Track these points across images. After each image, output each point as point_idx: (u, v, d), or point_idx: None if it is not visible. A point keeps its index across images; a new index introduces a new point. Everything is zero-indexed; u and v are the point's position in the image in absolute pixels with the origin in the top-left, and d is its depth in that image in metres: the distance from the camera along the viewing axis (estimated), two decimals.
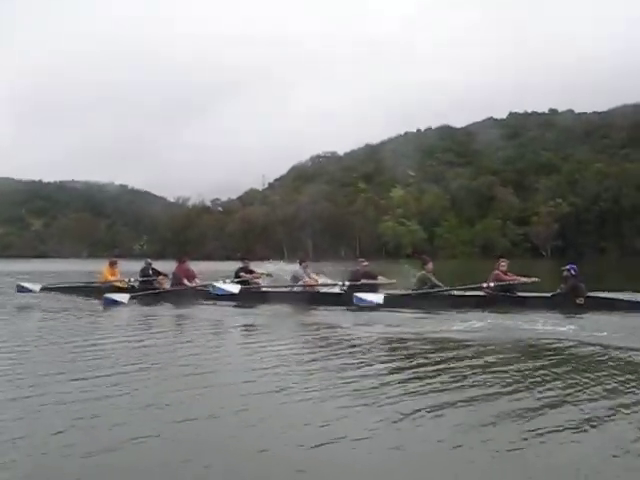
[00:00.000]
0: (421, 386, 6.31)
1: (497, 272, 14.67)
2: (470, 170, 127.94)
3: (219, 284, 16.31)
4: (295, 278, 16.81)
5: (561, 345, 8.82)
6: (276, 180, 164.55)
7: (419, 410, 5.38)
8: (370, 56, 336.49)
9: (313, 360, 7.91)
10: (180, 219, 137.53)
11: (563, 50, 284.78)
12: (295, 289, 16.50)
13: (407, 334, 10.16)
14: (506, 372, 6.98)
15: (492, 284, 14.27)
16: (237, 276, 17.91)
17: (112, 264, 19.53)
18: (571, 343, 8.92)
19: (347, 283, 15.82)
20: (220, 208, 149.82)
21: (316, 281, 16.86)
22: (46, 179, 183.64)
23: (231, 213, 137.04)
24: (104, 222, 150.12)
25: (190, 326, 12.16)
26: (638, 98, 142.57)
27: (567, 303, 13.30)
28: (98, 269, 21.06)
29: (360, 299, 14.07)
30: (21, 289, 18.69)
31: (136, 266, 20.52)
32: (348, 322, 12.08)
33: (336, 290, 16.02)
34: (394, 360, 8.02)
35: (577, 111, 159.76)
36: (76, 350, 8.71)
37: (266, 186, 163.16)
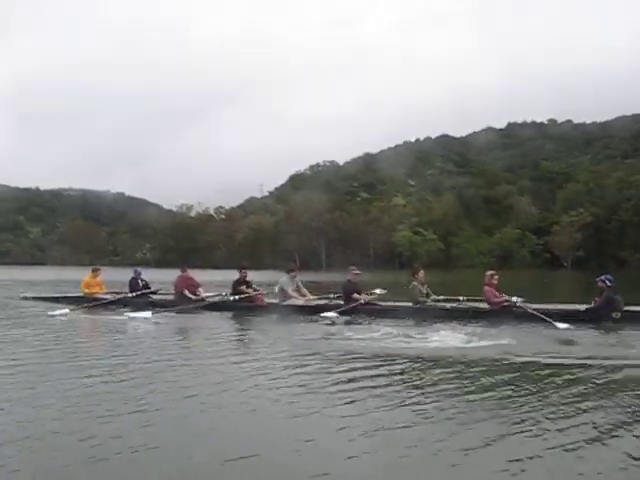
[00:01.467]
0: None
1: (487, 289, 13.67)
2: (475, 179, 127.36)
3: (130, 313, 14.44)
4: (280, 288, 15.89)
5: (601, 365, 7.96)
6: (276, 189, 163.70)
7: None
8: (368, 65, 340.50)
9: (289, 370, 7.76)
10: (184, 227, 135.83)
11: (562, 61, 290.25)
12: (282, 303, 15.56)
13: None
14: (548, 395, 6.35)
15: (516, 299, 13.17)
16: (235, 290, 16.62)
17: (94, 272, 18.77)
18: (611, 362, 8.13)
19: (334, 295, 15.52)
20: (223, 216, 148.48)
21: (303, 295, 15.86)
22: (42, 187, 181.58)
23: (235, 221, 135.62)
24: (104, 230, 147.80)
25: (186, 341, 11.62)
26: (637, 109, 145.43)
27: (602, 317, 12.36)
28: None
29: (130, 317, 13.87)
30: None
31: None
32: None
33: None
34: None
35: (576, 121, 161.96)
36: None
37: (265, 194, 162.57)
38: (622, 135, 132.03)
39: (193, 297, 16.85)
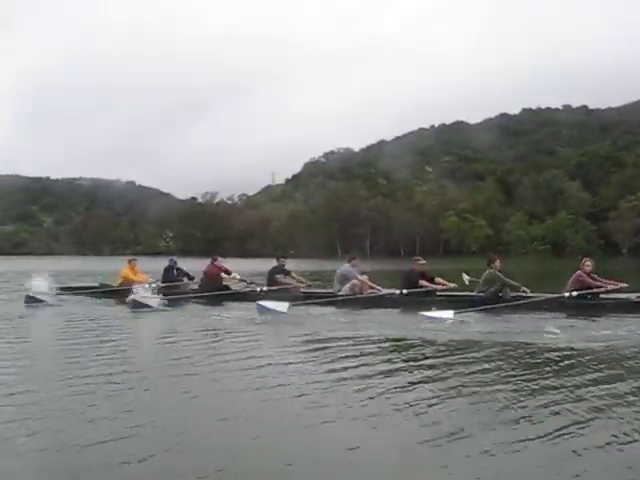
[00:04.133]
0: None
1: (580, 273, 12.79)
2: (518, 164, 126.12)
3: (264, 302, 13.33)
4: (343, 277, 14.97)
5: None
6: (293, 176, 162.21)
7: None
8: (377, 54, 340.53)
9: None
10: (210, 215, 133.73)
11: (576, 48, 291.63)
12: (343, 295, 14.53)
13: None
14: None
15: (575, 293, 12.39)
16: (272, 280, 15.79)
17: (131, 262, 17.82)
18: None
19: (405, 291, 14.00)
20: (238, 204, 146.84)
21: (367, 285, 14.86)
22: (52, 176, 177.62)
23: (255, 208, 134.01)
24: (122, 219, 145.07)
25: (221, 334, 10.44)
26: None
27: None
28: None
29: (262, 307, 12.92)
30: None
31: (162, 263, 18.60)
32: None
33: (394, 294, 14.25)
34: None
35: (591, 107, 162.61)
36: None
37: (282, 182, 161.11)
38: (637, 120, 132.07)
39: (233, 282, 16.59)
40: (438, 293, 14.03)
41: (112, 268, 23.77)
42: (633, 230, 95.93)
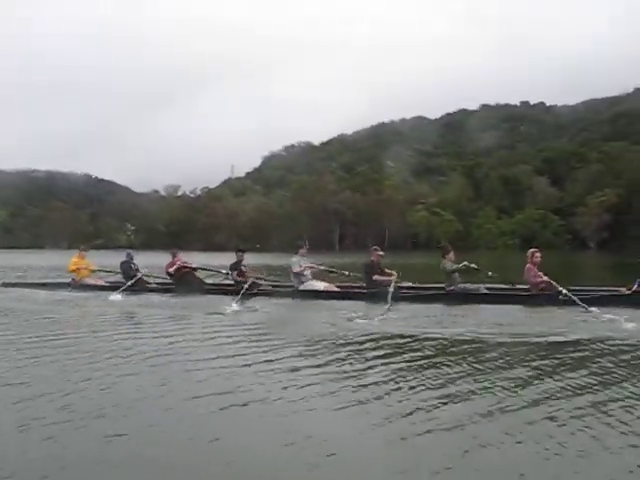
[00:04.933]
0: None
1: (530, 267, 12.90)
2: (487, 160, 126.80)
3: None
4: (291, 269, 15.04)
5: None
6: (255, 169, 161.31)
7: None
8: (345, 43, 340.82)
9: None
10: (175, 209, 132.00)
11: (534, 46, 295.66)
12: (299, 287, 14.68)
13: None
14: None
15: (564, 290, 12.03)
16: (235, 271, 15.84)
17: (81, 252, 18.15)
18: None
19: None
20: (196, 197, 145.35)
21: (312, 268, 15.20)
22: (6, 168, 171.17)
23: (219, 201, 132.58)
24: (81, 212, 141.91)
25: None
26: (606, 92, 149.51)
27: None
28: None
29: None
30: None
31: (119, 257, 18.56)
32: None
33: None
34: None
35: (548, 104, 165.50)
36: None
37: (241, 175, 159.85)
38: (595, 118, 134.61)
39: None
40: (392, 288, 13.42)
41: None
42: (600, 225, 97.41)
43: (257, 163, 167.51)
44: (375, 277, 14.09)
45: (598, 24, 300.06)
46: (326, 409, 5.25)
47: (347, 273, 15.41)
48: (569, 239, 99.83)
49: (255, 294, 14.48)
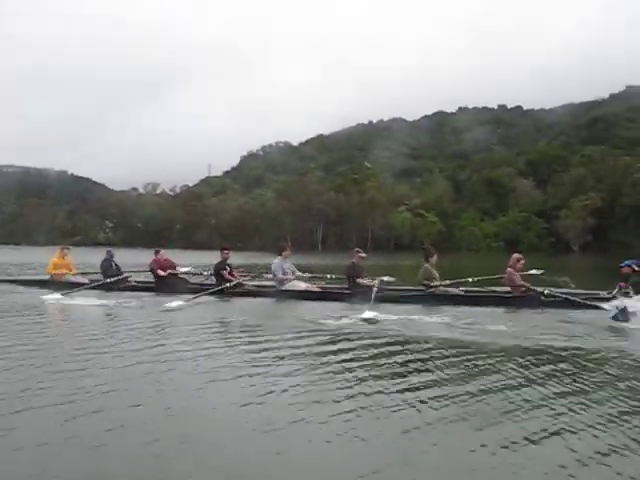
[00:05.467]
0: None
1: (511, 271, 13.20)
2: (470, 162, 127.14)
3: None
4: (274, 274, 15.09)
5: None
6: (233, 168, 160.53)
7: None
8: (325, 44, 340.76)
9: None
10: (154, 207, 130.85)
11: (512, 48, 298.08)
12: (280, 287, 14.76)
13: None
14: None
15: (546, 290, 12.51)
16: (218, 274, 15.70)
17: (63, 251, 17.84)
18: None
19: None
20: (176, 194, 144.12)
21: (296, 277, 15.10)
22: None
23: (199, 200, 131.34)
24: (58, 208, 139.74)
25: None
26: (583, 97, 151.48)
27: None
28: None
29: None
30: None
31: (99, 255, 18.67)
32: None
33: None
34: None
35: (525, 108, 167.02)
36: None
37: (218, 174, 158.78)
38: (573, 123, 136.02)
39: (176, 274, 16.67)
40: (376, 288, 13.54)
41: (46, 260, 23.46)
42: (584, 229, 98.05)
43: (235, 162, 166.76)
44: (358, 280, 14.17)
45: (572, 31, 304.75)
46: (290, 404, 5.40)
47: (329, 277, 15.88)
48: (552, 242, 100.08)
49: (238, 294, 14.61)
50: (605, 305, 10.80)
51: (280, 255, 15.00)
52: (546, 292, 12.34)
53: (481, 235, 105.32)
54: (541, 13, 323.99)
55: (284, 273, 14.77)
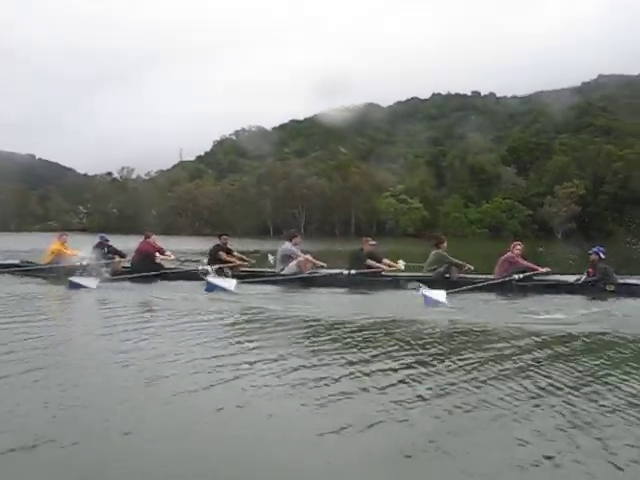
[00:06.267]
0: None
1: (512, 256, 13.70)
2: (452, 149, 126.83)
3: (212, 277, 13.69)
4: (286, 256, 14.89)
5: (591, 337, 8.15)
6: (206, 153, 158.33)
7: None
8: (293, 30, 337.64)
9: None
10: (128, 191, 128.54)
11: (484, 34, 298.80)
12: (289, 274, 14.53)
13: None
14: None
15: (521, 275, 13.18)
16: (215, 257, 15.40)
17: (61, 238, 17.10)
18: (604, 336, 8.26)
19: (353, 271, 14.13)
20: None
21: (311, 263, 14.94)
22: None
23: (175, 185, 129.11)
24: (31, 193, 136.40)
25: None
26: (556, 85, 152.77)
27: (596, 290, 12.51)
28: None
29: (212, 284, 13.07)
30: None
31: (79, 241, 18.59)
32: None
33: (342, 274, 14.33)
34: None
35: (498, 95, 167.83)
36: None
37: (190, 159, 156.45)
38: (545, 110, 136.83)
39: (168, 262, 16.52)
40: (384, 274, 14.32)
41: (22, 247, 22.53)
42: (568, 216, 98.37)
43: (207, 147, 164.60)
44: (370, 262, 14.27)
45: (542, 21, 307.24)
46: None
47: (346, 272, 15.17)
48: (534, 229, 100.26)
49: (238, 279, 14.01)
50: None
51: (290, 241, 15.07)
52: (516, 277, 13.07)
53: (466, 221, 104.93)
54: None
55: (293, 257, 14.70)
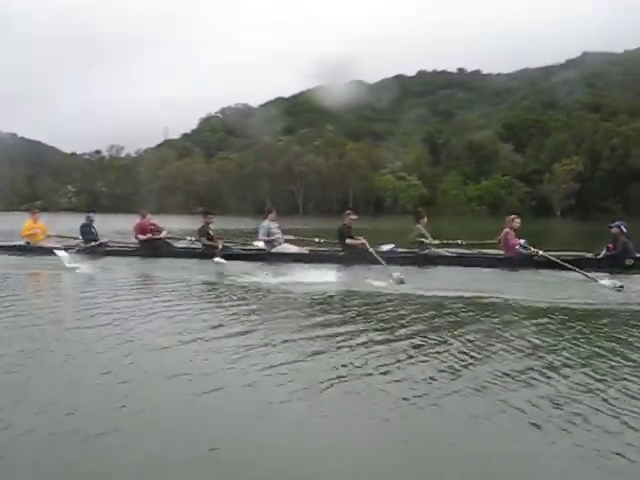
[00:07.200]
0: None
1: (508, 231, 13.53)
2: (446, 125, 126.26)
3: (219, 259, 14.16)
4: (262, 234, 15.11)
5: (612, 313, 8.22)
6: (193, 131, 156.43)
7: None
8: (277, 13, 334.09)
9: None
10: (117, 170, 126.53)
11: (468, 11, 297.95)
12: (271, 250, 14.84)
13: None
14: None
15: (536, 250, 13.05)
16: (205, 236, 15.28)
17: (34, 214, 17.46)
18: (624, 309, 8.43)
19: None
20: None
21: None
22: None
23: (165, 163, 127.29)
24: (16, 172, 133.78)
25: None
26: (540, 62, 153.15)
27: (616, 264, 12.30)
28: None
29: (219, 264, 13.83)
30: None
31: (66, 223, 19.41)
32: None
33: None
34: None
35: (484, 72, 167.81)
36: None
37: (175, 137, 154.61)
38: (532, 87, 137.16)
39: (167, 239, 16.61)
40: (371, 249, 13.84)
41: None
42: (567, 193, 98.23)
43: (193, 126, 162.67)
44: (348, 241, 14.19)
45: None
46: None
47: (318, 240, 15.94)
48: (533, 206, 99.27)
49: (225, 257, 14.37)
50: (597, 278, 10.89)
51: (266, 218, 15.10)
52: (540, 253, 12.84)
53: (465, 199, 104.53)
54: None
55: (271, 234, 14.82)
